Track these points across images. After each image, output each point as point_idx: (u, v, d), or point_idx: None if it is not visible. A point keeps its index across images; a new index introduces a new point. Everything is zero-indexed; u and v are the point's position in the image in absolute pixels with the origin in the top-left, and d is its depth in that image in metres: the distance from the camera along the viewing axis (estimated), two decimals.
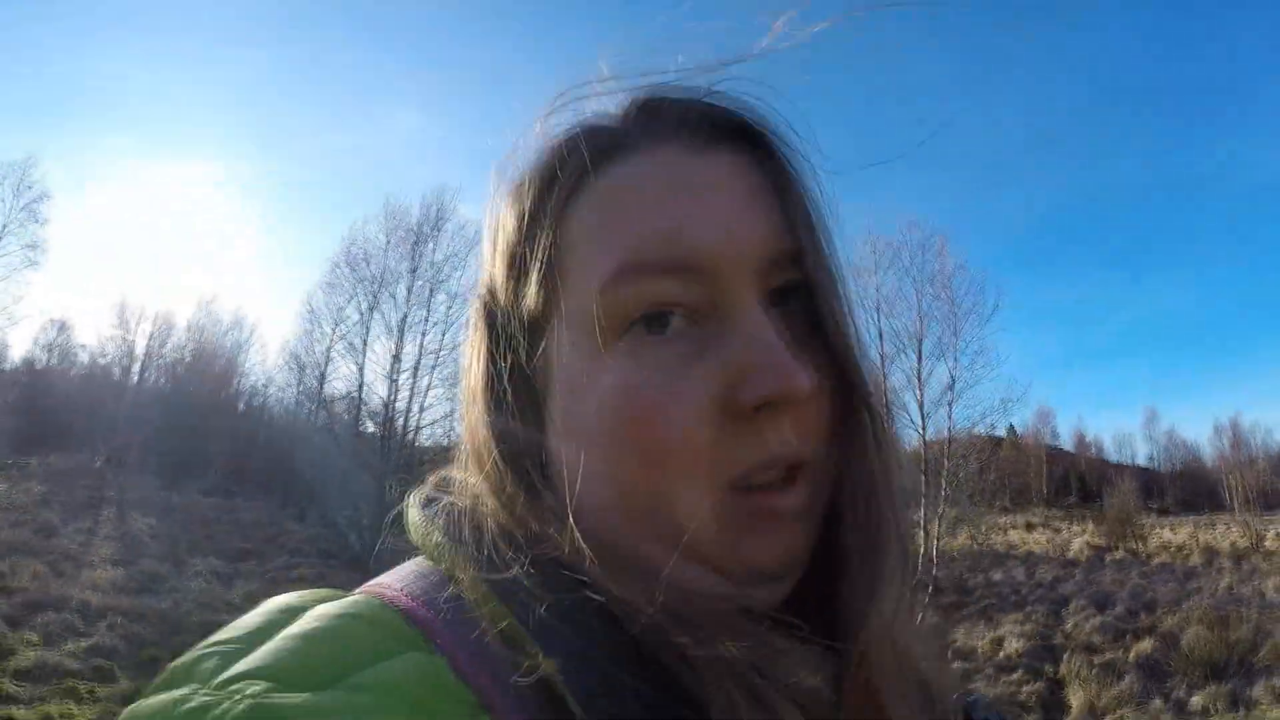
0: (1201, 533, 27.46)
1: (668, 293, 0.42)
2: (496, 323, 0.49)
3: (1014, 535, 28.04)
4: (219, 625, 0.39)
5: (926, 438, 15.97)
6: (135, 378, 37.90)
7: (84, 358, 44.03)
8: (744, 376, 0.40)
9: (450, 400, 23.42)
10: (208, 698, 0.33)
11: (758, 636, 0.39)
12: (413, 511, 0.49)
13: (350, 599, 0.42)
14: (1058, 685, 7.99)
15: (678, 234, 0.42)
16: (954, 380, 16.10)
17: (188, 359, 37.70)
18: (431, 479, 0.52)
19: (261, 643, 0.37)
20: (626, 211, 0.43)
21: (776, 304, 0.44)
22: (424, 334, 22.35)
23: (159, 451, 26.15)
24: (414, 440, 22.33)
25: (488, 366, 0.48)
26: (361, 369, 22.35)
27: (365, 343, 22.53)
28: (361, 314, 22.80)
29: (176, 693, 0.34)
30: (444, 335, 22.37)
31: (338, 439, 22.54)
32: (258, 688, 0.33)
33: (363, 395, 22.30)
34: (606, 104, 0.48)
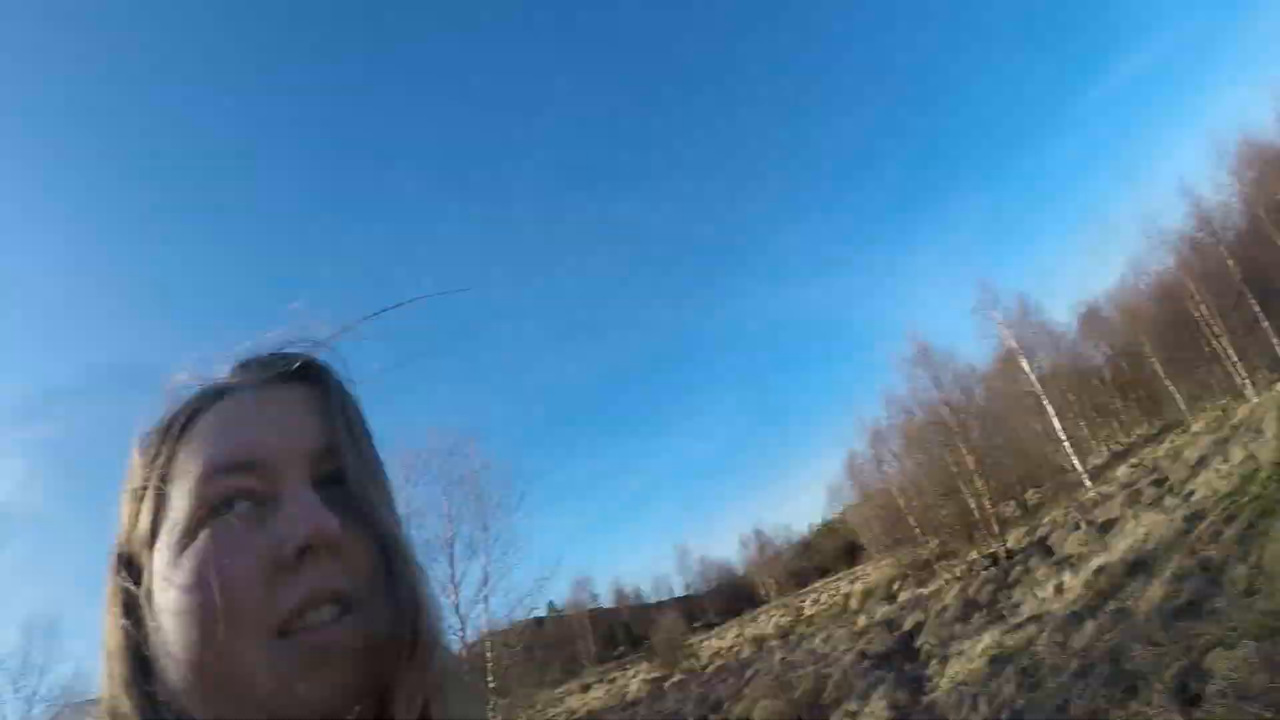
0: (747, 628, 30.09)
1: (236, 485, 0.52)
2: (120, 555, 0.57)
3: (572, 701, 28.32)
4: None
5: (467, 638, 16.04)
6: None
7: None
8: (286, 531, 0.50)
9: None
10: None
11: None
12: None
13: None
14: None
15: (244, 443, 0.54)
16: (487, 576, 16.56)
17: None
18: (68, 707, 0.79)
19: None
20: (213, 435, 0.55)
21: (327, 487, 0.54)
22: None
23: None
24: None
25: (113, 592, 0.56)
26: None
27: None
28: None
29: None
30: None
31: None
32: None
33: None
34: (221, 368, 0.61)
